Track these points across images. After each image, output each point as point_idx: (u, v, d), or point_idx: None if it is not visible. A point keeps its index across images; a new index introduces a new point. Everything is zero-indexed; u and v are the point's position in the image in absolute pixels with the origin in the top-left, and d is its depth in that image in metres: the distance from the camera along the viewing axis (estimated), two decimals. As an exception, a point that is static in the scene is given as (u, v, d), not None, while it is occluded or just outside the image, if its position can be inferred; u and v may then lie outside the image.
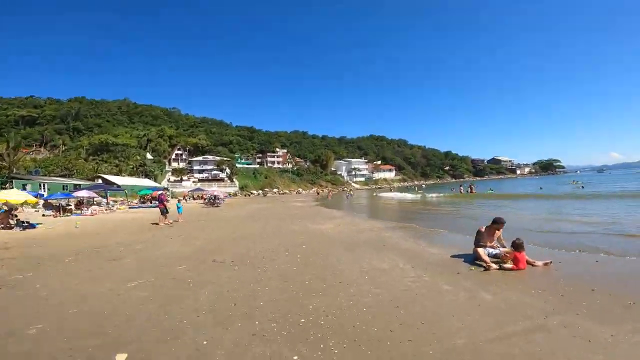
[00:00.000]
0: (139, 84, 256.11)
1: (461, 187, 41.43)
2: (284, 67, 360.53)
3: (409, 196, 38.65)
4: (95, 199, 26.06)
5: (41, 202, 22.53)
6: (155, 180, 74.07)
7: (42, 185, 33.33)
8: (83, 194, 24.04)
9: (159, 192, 23.57)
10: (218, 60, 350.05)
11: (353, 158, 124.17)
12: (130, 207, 29.94)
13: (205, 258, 7.70)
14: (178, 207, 18.03)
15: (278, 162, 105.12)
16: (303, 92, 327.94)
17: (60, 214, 20.96)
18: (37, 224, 14.96)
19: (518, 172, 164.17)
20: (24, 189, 32.23)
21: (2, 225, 13.14)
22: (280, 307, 4.33)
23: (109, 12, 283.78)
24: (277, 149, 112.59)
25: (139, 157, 76.54)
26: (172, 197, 55.99)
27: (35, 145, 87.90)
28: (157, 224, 15.44)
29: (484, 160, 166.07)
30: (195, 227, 14.73)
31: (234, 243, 9.86)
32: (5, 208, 14.67)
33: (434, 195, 37.37)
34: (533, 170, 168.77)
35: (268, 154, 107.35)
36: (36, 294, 5.22)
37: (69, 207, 22.30)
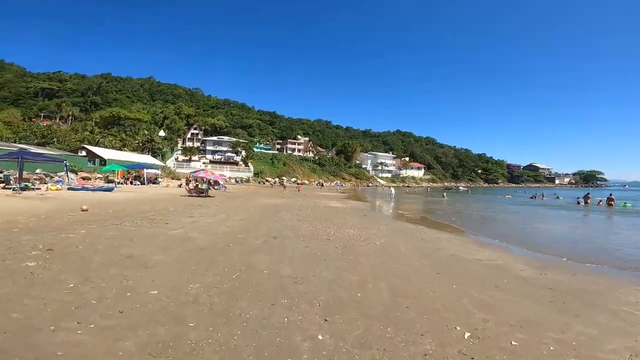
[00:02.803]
0: (165, 64, 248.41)
1: (584, 199, 28.51)
2: (309, 53, 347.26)
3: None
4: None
5: None
6: (163, 158, 64.51)
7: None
8: None
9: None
10: (244, 44, 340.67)
11: (378, 152, 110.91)
12: (70, 188, 19.20)
13: None
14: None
15: (299, 150, 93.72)
16: (328, 80, 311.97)
17: None
18: None
19: (557, 181, 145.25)
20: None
21: None
22: None
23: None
24: (299, 137, 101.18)
25: (147, 132, 66.92)
26: (172, 179, 45.83)
27: (43, 116, 79.98)
28: None
29: (520, 167, 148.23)
30: None
31: None
32: None
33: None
34: (573, 181, 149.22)
35: (289, 140, 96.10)
36: None
37: None
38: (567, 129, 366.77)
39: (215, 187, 32.63)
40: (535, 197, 38.88)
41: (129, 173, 31.77)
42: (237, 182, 60.91)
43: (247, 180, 64.31)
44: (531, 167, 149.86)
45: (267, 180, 65.15)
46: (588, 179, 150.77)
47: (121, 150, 55.58)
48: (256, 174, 68.61)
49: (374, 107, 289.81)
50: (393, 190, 38.95)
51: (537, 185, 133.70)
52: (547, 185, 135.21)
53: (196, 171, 42.59)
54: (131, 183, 30.39)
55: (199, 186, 24.31)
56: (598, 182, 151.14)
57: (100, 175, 33.03)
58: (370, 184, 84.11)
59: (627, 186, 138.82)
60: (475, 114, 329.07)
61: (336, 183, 72.81)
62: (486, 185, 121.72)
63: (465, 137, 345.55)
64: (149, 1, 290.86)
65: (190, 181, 24.95)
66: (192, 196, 21.53)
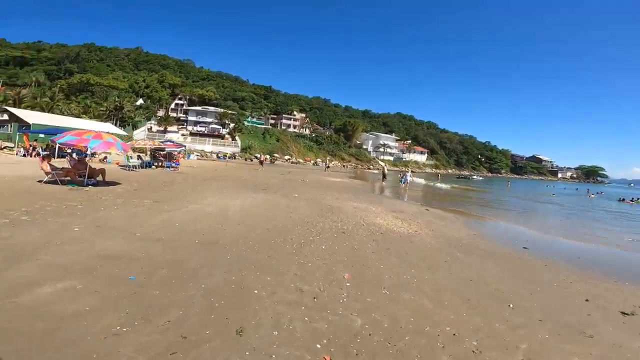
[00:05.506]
0: (154, 33, 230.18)
1: None
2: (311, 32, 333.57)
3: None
4: None
5: None
6: (134, 128, 53.82)
7: None
8: None
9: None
10: (240, 16, 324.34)
11: (380, 133, 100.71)
12: None
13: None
14: None
15: (294, 127, 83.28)
16: (327, 59, 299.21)
17: None
18: None
19: (560, 175, 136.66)
20: None
21: None
22: None
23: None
24: (295, 112, 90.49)
25: (117, 99, 55.73)
26: (135, 151, 35.45)
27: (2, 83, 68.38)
28: None
29: (523, 157, 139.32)
30: None
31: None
32: None
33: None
34: (575, 176, 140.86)
35: (284, 115, 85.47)
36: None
37: None
38: (570, 122, 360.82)
39: (162, 163, 21.92)
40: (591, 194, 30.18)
41: (35, 141, 21.62)
42: (219, 157, 50.77)
43: (233, 157, 54.14)
44: (534, 159, 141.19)
45: (255, 157, 55.04)
46: (589, 174, 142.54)
47: (79, 117, 44.77)
48: (244, 149, 58.41)
49: (374, 87, 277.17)
50: (409, 176, 27.68)
51: (540, 177, 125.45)
52: (550, 178, 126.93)
53: (157, 144, 32.29)
54: (38, 155, 20.27)
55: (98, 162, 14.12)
56: (599, 178, 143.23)
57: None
58: (372, 166, 74.44)
59: (632, 184, 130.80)
60: (480, 102, 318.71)
61: (315, 163, 62.52)
62: (490, 174, 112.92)
63: (468, 124, 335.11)
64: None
65: (48, 154, 13.68)
66: (56, 183, 10.00)
